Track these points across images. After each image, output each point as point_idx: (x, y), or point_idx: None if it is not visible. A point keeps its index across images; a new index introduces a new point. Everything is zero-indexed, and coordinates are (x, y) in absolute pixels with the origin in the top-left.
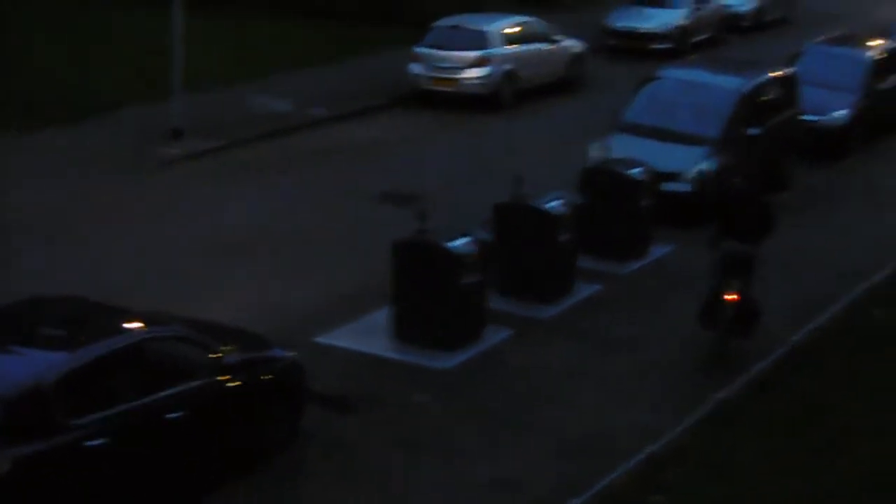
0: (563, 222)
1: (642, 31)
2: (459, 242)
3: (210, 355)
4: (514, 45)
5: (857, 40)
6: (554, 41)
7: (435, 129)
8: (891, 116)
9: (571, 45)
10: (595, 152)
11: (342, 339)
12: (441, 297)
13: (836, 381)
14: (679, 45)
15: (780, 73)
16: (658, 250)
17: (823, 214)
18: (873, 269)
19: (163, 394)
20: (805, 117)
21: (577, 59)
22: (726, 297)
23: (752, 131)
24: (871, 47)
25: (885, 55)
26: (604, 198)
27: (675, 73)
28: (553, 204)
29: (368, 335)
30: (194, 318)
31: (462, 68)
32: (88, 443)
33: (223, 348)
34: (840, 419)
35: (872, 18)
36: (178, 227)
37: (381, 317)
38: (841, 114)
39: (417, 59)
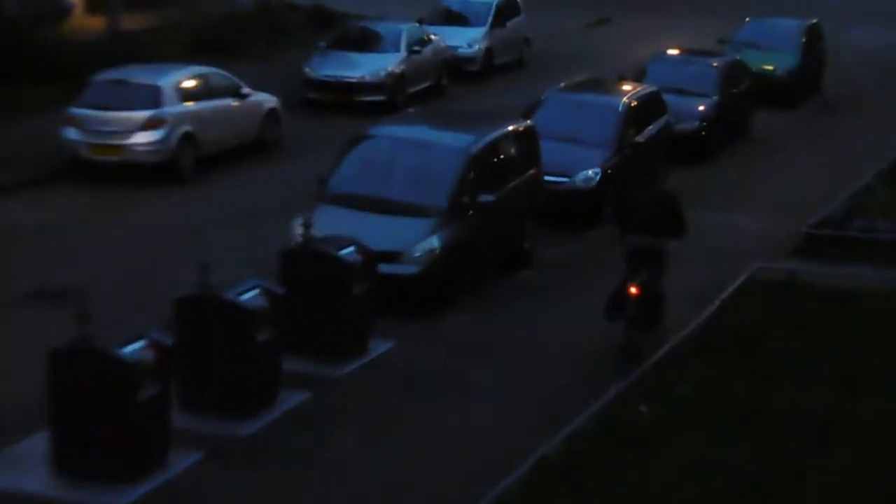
0: (260, 317)
1: (349, 80)
2: (132, 349)
3: None
4: (194, 102)
5: (607, 86)
6: (242, 96)
7: (98, 207)
8: None
9: (264, 99)
10: (298, 230)
11: None
12: (110, 420)
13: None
14: (394, 97)
15: (516, 126)
16: (379, 346)
17: (569, 296)
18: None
19: None
20: (548, 179)
21: (271, 116)
22: (630, 290)
23: (486, 198)
24: (622, 93)
25: (639, 102)
26: (309, 285)
27: (390, 131)
28: (248, 296)
29: (18, 467)
30: None
31: (129, 132)
32: None
33: None
34: None
35: (622, 59)
36: None
37: (37, 444)
38: (589, 174)
39: (73, 122)
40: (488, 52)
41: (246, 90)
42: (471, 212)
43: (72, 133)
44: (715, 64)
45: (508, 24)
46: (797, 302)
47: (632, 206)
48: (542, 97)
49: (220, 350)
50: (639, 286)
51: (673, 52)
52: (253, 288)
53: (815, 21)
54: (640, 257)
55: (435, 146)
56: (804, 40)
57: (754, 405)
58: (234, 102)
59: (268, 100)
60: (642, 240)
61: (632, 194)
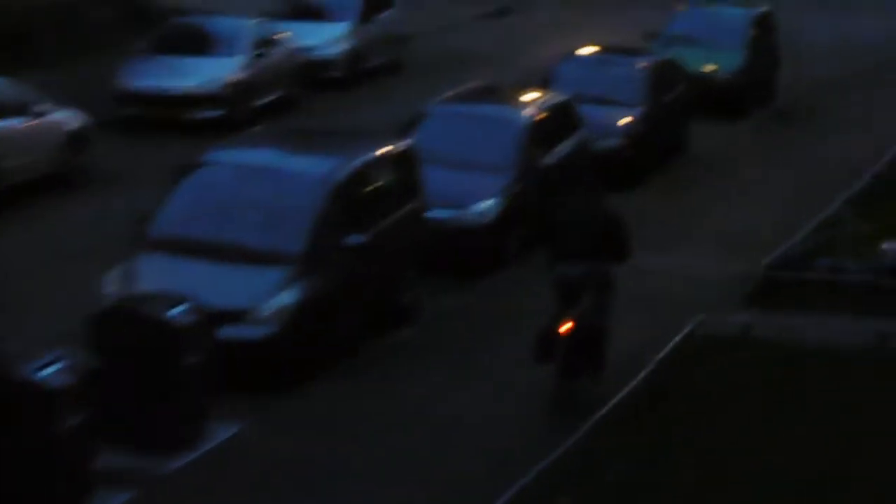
0: (65, 398)
1: (176, 92)
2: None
3: None
4: None
5: (506, 94)
6: (37, 114)
7: None
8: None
9: (65, 118)
10: (113, 285)
11: None
12: None
13: None
14: (234, 112)
15: (391, 148)
16: (220, 432)
17: (461, 361)
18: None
19: None
20: (433, 213)
21: (75, 138)
22: (561, 328)
23: (354, 240)
24: (526, 104)
25: (548, 115)
26: (129, 356)
27: (231, 157)
28: (49, 371)
29: None
30: None
31: None
32: None
33: None
34: None
35: (526, 60)
36: None
37: None
38: (486, 206)
39: None
40: (354, 53)
41: (41, 106)
42: (335, 257)
43: None
44: (642, 65)
45: (380, 17)
46: (751, 363)
47: (563, 227)
48: (425, 110)
49: (17, 437)
50: (573, 322)
51: (589, 50)
52: (55, 361)
53: (766, 9)
54: (574, 289)
55: (288, 175)
56: (753, 33)
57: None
58: (25, 122)
59: (71, 118)
60: (576, 268)
61: (562, 212)
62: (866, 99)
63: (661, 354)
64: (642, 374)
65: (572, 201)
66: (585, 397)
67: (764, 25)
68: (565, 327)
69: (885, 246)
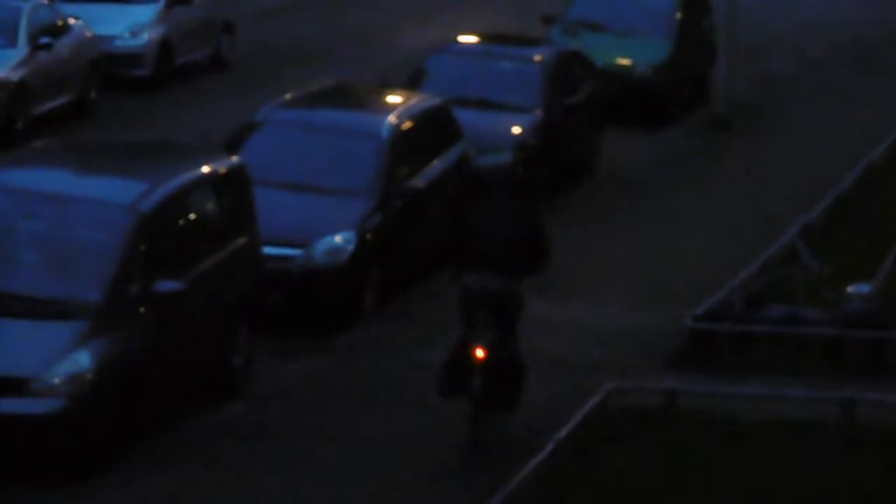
0: None
1: None
2: None
3: None
4: None
5: (361, 97)
6: None
7: None
8: (420, 244)
9: None
10: None
11: None
12: None
13: None
14: (9, 121)
15: (214, 167)
16: None
17: (307, 446)
18: None
19: None
20: (269, 252)
21: None
22: (475, 353)
23: (167, 286)
24: (387, 109)
25: (416, 123)
26: None
27: (3, 181)
28: None
29: None
30: None
31: None
32: None
33: None
34: None
35: (386, 53)
36: None
37: None
38: (337, 242)
39: None
40: (164, 44)
41: None
42: (142, 309)
43: None
44: (537, 58)
45: None
46: (677, 444)
47: (475, 233)
48: (258, 118)
49: None
50: (487, 348)
51: (469, 40)
52: None
53: None
54: (486, 306)
55: (81, 204)
56: (680, 16)
57: None
58: None
59: None
60: (490, 281)
61: (473, 216)
62: (826, 99)
63: (562, 433)
64: (537, 459)
65: (485, 205)
66: (502, 432)
67: (694, 7)
68: (480, 352)
69: (851, 289)
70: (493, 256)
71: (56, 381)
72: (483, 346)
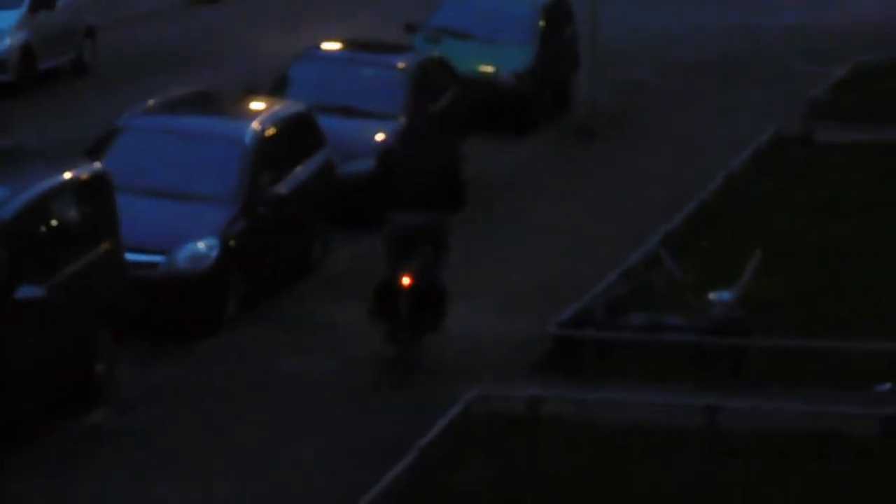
0: None
1: None
2: None
3: None
4: None
5: (224, 104)
6: None
7: None
8: (283, 250)
9: None
10: None
11: None
12: None
13: None
14: None
15: (76, 174)
16: None
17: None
18: None
19: None
20: (132, 259)
21: None
22: (401, 281)
23: (26, 293)
24: (251, 116)
25: (279, 130)
26: None
27: None
28: None
29: None
30: None
31: None
32: None
33: None
34: None
35: (250, 59)
36: None
37: None
38: (200, 248)
39: None
40: (27, 49)
41: None
42: (2, 316)
43: None
44: (400, 65)
45: (59, 3)
46: (540, 450)
47: (402, 175)
48: (120, 124)
49: None
50: (412, 276)
51: (332, 47)
52: None
53: None
54: (412, 241)
55: None
56: (543, 24)
57: None
58: None
59: None
60: (415, 218)
61: (405, 160)
62: (689, 107)
63: (424, 440)
64: (398, 469)
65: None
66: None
67: (557, 14)
68: (406, 280)
69: (712, 296)
70: (421, 195)
71: None
72: (410, 275)
